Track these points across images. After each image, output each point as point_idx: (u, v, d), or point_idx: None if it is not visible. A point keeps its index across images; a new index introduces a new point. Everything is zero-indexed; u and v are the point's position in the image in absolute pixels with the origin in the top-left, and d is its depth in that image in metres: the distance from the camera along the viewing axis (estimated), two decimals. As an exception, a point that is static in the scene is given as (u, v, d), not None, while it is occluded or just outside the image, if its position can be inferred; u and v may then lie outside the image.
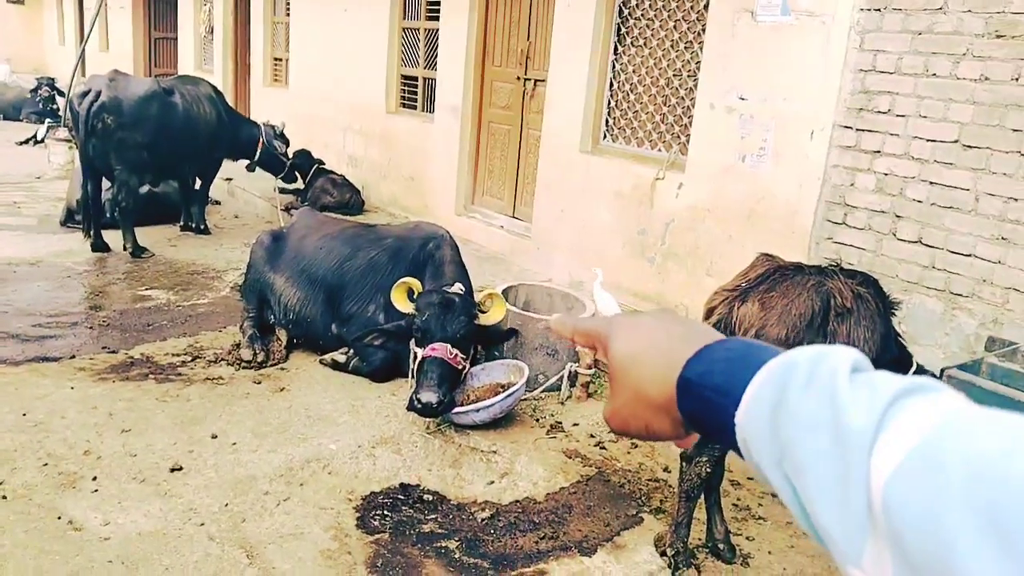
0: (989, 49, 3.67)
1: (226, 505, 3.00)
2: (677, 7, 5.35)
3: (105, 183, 6.29)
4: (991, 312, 3.73)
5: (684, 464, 2.70)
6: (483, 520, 3.04)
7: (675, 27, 5.37)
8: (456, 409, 3.68)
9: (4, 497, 2.92)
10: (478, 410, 3.67)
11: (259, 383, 4.08)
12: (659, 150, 5.54)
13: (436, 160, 7.55)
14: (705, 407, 0.60)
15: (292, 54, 10.15)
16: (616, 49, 5.81)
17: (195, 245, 6.72)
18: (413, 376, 3.78)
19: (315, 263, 4.52)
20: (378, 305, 4.27)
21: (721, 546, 2.91)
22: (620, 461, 3.57)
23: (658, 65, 5.51)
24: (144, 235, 6.40)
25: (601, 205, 5.80)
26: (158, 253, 6.31)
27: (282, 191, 8.26)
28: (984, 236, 3.75)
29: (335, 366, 4.28)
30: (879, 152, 4.13)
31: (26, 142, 11.53)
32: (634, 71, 5.68)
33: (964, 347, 3.79)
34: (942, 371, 2.78)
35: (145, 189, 6.72)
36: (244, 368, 4.24)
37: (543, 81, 6.45)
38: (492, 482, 3.32)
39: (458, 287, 4.00)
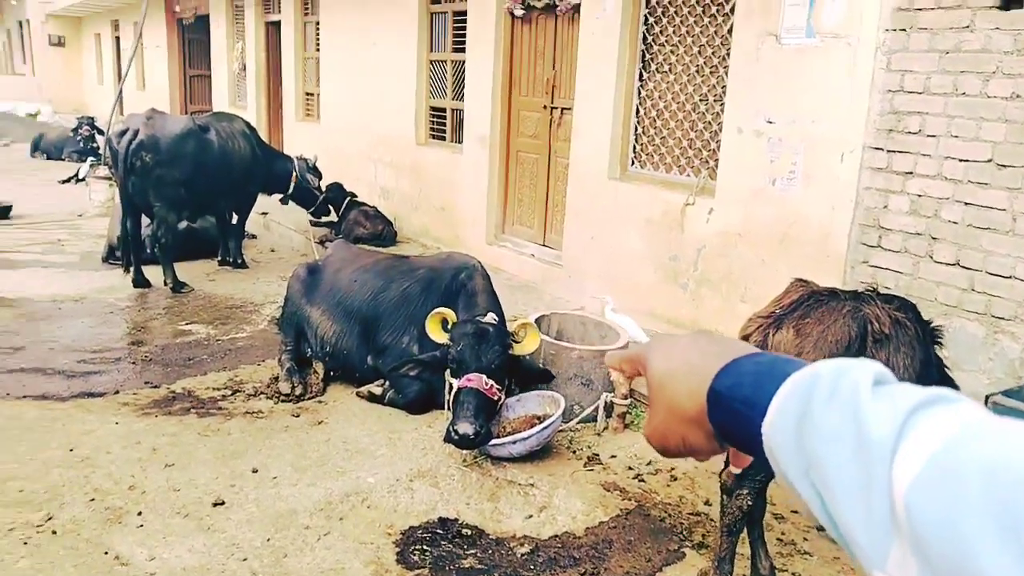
0: (1019, 67, 3.64)
1: (268, 540, 3.04)
2: (701, 32, 5.38)
3: (145, 220, 6.46)
4: (1033, 333, 3.67)
5: (725, 497, 2.68)
6: (522, 556, 3.04)
7: (699, 52, 5.40)
8: (493, 441, 3.69)
9: (54, 532, 3.00)
10: (515, 442, 3.68)
11: (298, 416, 4.14)
12: (688, 175, 5.55)
13: (466, 190, 7.63)
14: (734, 419, 0.63)
15: (323, 89, 10.36)
16: (641, 76, 5.85)
17: (233, 279, 6.85)
18: (449, 407, 3.80)
19: (350, 295, 4.59)
20: (412, 336, 4.32)
21: (764, 579, 2.88)
22: (660, 494, 3.54)
23: (684, 90, 5.54)
24: (183, 270, 6.54)
25: (631, 232, 5.81)
26: (197, 288, 6.45)
27: (316, 224, 8.40)
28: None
29: (371, 398, 4.33)
30: (911, 173, 4.10)
31: (68, 180, 11.87)
32: (660, 97, 5.71)
33: (1008, 372, 3.72)
34: (987, 398, 2.74)
35: (183, 225, 6.88)
36: (283, 401, 4.30)
37: (569, 109, 6.51)
38: (530, 516, 3.32)
39: (491, 317, 4.03)
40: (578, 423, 4.12)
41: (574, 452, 3.89)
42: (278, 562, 2.91)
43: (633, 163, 5.99)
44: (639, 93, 5.89)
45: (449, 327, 3.88)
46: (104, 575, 2.78)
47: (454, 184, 7.81)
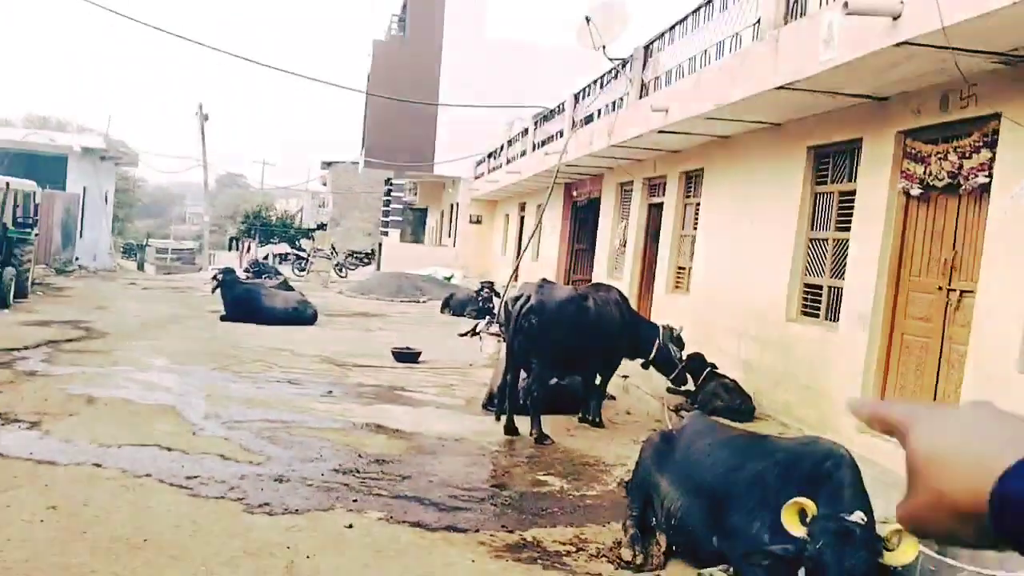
0: None
1: None
2: None
3: (522, 374, 7.11)
4: None
5: None
6: None
7: None
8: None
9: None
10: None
11: (636, 587, 4.02)
12: None
13: (838, 371, 7.09)
14: None
15: (695, 263, 10.69)
16: (1068, 258, 5.02)
17: (589, 437, 7.11)
18: (802, 613, 3.37)
19: (700, 470, 4.44)
20: (764, 523, 3.99)
21: None
22: None
23: None
24: (547, 423, 6.98)
25: (1051, 439, 4.81)
26: (557, 441, 6.80)
27: (673, 392, 8.43)
28: None
29: (715, 583, 4.03)
30: None
31: (466, 334, 13.67)
32: (1095, 283, 4.82)
33: None
34: None
35: (553, 381, 7.42)
36: (623, 567, 4.23)
37: (971, 292, 5.80)
38: None
39: (859, 516, 3.56)
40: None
41: None
42: None
43: (1055, 358, 5.05)
44: (1064, 278, 5.04)
45: (808, 520, 3.51)
46: None
47: (825, 363, 7.31)
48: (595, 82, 14.19)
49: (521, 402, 7.18)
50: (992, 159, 5.61)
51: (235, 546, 4.21)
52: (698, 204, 10.97)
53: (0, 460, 5.35)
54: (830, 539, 3.37)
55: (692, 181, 11.44)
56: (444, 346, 11.93)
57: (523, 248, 12.67)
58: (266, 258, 31.24)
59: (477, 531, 4.64)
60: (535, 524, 4.82)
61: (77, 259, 24.05)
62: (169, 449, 5.85)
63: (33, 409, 6.72)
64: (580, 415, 7.64)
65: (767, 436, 4.66)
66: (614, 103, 12.62)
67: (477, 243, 28.38)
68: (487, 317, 13.65)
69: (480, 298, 16.87)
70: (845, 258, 7.37)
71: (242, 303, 13.74)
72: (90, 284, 19.85)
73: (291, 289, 15.67)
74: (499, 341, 10.19)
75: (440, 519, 4.81)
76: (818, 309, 7.87)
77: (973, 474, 0.58)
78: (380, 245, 31.85)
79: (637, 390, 9.06)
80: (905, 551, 3.33)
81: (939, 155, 6.19)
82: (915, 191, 6.47)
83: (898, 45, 5.14)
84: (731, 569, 3.99)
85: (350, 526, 4.56)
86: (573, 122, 15.12)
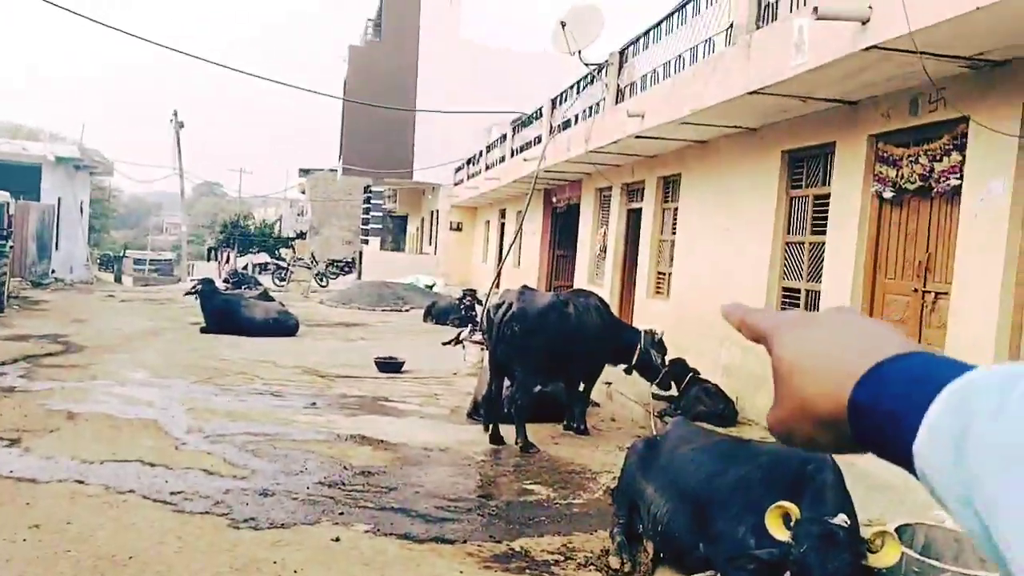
0: None
1: None
2: (1121, 212, 4.61)
3: (505, 382, 7.12)
4: None
5: None
6: None
7: (1119, 234, 4.61)
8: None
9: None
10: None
11: (624, 594, 4.05)
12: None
13: (818, 374, 7.18)
14: (880, 434, 0.54)
15: (675, 268, 10.78)
16: (1038, 260, 5.13)
17: (574, 444, 7.14)
18: (787, 615, 3.42)
19: (685, 476, 4.49)
20: (748, 527, 4.03)
21: None
22: None
23: (1098, 277, 4.72)
24: (532, 431, 7.00)
25: None
26: (543, 449, 6.83)
27: (656, 398, 8.49)
28: None
29: (701, 588, 4.07)
30: None
31: (449, 343, 13.65)
32: (1064, 283, 4.93)
33: None
34: None
35: (537, 389, 7.44)
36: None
37: (945, 294, 5.90)
38: None
39: (842, 518, 3.62)
40: (951, 666, 3.41)
41: None
42: None
43: (1028, 357, 5.16)
44: (1035, 278, 5.15)
45: (792, 524, 3.56)
46: None
47: (805, 367, 7.40)
48: (572, 87, 14.27)
49: (505, 410, 7.20)
50: (962, 161, 5.73)
51: (221, 562, 4.20)
52: (676, 209, 11.07)
53: (-20, 481, 5.28)
54: (814, 542, 3.41)
55: (670, 186, 11.53)
56: (427, 355, 11.92)
57: (504, 255, 12.71)
58: (245, 268, 31.07)
59: (465, 542, 4.65)
60: (523, 534, 4.84)
61: (53, 271, 23.76)
62: (152, 464, 5.81)
63: (12, 426, 6.64)
64: (565, 423, 7.67)
65: (750, 440, 4.71)
66: (591, 108, 12.70)
67: (458, 250, 28.37)
68: (470, 325, 13.66)
69: (463, 306, 16.86)
70: (822, 261, 7.47)
71: (222, 314, 13.65)
72: (67, 297, 19.61)
73: (271, 299, 15.58)
74: (482, 349, 10.20)
75: (427, 530, 4.81)
76: (797, 311, 7.97)
77: (832, 381, 0.58)
78: (360, 253, 31.76)
79: (621, 396, 9.11)
80: (888, 553, 3.38)
81: (910, 158, 6.31)
82: (888, 194, 6.58)
83: (867, 49, 5.24)
84: (718, 575, 4.03)
85: (337, 539, 4.56)
86: (551, 128, 15.20)
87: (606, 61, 11.77)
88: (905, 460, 0.53)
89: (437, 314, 17.34)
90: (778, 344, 0.65)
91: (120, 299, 20.00)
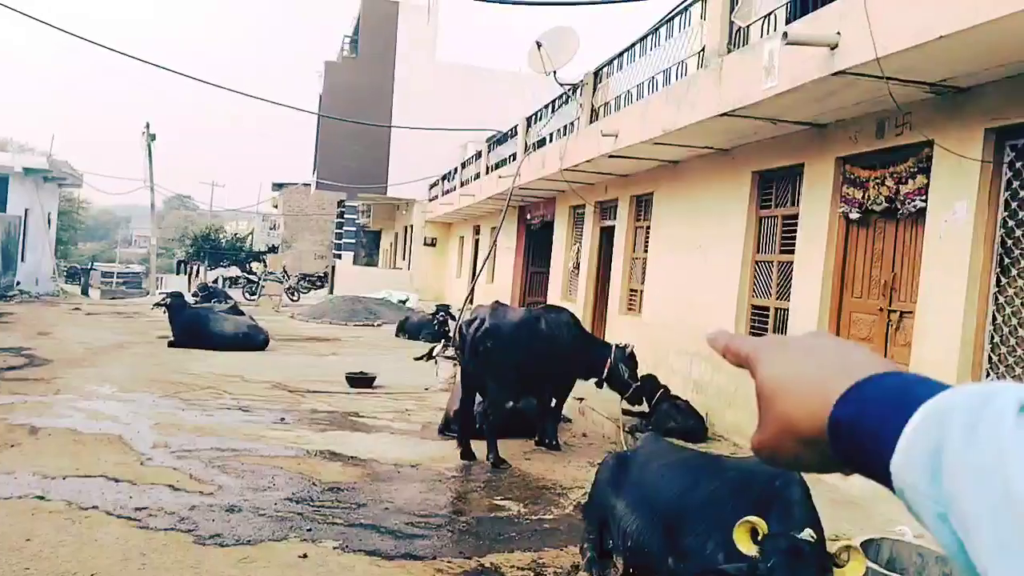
0: None
1: None
2: (1077, 234, 4.75)
3: (477, 397, 7.11)
4: None
5: None
6: None
7: (1076, 256, 4.74)
8: None
9: None
10: None
11: (593, 610, 4.04)
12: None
13: (787, 391, 7.26)
14: (859, 451, 0.55)
15: (647, 286, 10.86)
16: (999, 281, 5.26)
17: (546, 460, 7.14)
18: (755, 630, 3.43)
19: (655, 491, 4.50)
20: (718, 543, 4.05)
21: None
22: None
23: (1056, 297, 4.84)
24: (503, 447, 6.98)
25: (987, 454, 5.00)
26: (514, 465, 6.81)
27: (627, 413, 8.51)
28: None
29: (670, 604, 4.08)
30: None
31: (421, 358, 13.59)
32: (1023, 305, 5.05)
33: None
34: None
35: (509, 404, 7.43)
36: (580, 592, 4.25)
37: (910, 313, 6.02)
38: None
39: (808, 533, 3.65)
40: None
41: None
42: None
43: (988, 375, 5.27)
44: (996, 299, 5.28)
45: (759, 539, 3.59)
46: None
47: (774, 385, 7.49)
48: (547, 106, 14.39)
49: (477, 426, 7.18)
50: (927, 184, 5.86)
51: (186, 579, 4.12)
52: (648, 227, 11.17)
53: (-64, 496, 5.14)
54: (781, 557, 3.44)
55: (643, 205, 11.65)
56: (399, 370, 11.86)
57: (478, 271, 12.74)
58: (216, 282, 30.69)
59: (435, 558, 4.62)
60: (493, 549, 4.82)
61: (18, 283, 23.31)
62: (116, 480, 5.71)
63: (-29, 441, 6.48)
64: (536, 438, 7.67)
65: (720, 456, 4.75)
66: (566, 127, 12.81)
67: (432, 266, 28.32)
68: (443, 340, 13.61)
69: (436, 322, 16.81)
70: (790, 280, 7.58)
71: (191, 328, 13.47)
72: (32, 310, 19.24)
73: (242, 313, 15.41)
74: (455, 365, 10.17)
75: (397, 547, 4.77)
76: (766, 330, 8.06)
77: (812, 400, 0.60)
78: (333, 268, 31.55)
79: (593, 412, 9.13)
80: (854, 567, 3.42)
81: (877, 180, 6.44)
82: (855, 215, 6.71)
83: (836, 74, 5.36)
84: (686, 589, 4.04)
85: (304, 556, 4.50)
86: (526, 146, 15.29)
87: (581, 81, 11.89)
88: (884, 477, 0.54)
89: (410, 329, 17.27)
90: (760, 367, 0.67)
91: (86, 312, 19.66)
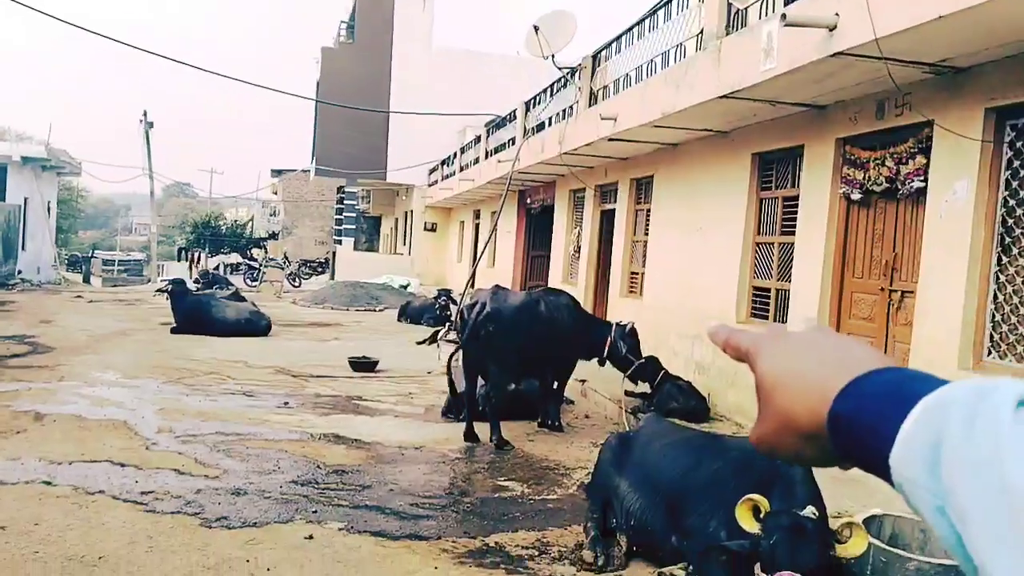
0: None
1: None
2: (1077, 212, 4.76)
3: (479, 380, 7.14)
4: None
5: None
6: None
7: (1076, 234, 4.75)
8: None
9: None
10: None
11: (597, 588, 4.09)
12: (1063, 371, 4.74)
13: (788, 372, 7.29)
14: (858, 446, 0.56)
15: (648, 268, 10.88)
16: (1000, 260, 5.28)
17: (549, 441, 7.18)
18: (758, 606, 3.48)
19: (657, 471, 4.54)
20: (720, 521, 4.10)
21: None
22: None
23: (1056, 275, 4.86)
24: (507, 429, 7.02)
25: (987, 431, 5.04)
26: (517, 447, 6.86)
27: (629, 394, 8.55)
28: None
29: (673, 581, 4.13)
30: None
31: (423, 342, 13.64)
32: (1024, 282, 5.07)
33: None
34: None
35: (511, 387, 7.47)
36: (585, 570, 4.29)
37: (911, 293, 6.04)
38: None
39: (811, 510, 3.69)
40: (915, 653, 3.49)
41: None
42: None
43: (990, 353, 5.30)
44: (997, 278, 5.29)
45: (761, 516, 3.63)
46: None
47: (775, 366, 7.52)
48: (545, 91, 14.34)
49: (480, 408, 7.22)
50: (927, 164, 5.87)
51: (193, 561, 4.17)
52: (648, 210, 11.17)
53: (-56, 482, 5.19)
54: (783, 534, 3.48)
55: (643, 188, 11.64)
56: (401, 354, 11.90)
57: (479, 255, 12.77)
58: (217, 268, 30.71)
59: (439, 538, 4.67)
60: (497, 529, 4.86)
61: (20, 272, 23.32)
62: (122, 465, 5.75)
63: (-23, 428, 6.53)
64: (539, 420, 7.71)
65: (721, 436, 4.79)
66: (564, 111, 12.77)
67: (432, 251, 28.31)
68: (447, 324, 13.63)
69: (438, 306, 16.84)
70: (791, 261, 7.60)
71: (193, 315, 13.50)
72: (34, 298, 19.26)
73: (243, 300, 15.44)
74: (457, 349, 10.19)
75: (402, 527, 4.82)
76: (767, 311, 8.09)
77: (813, 394, 0.61)
78: (334, 254, 31.56)
79: (595, 394, 9.17)
80: (856, 543, 3.46)
81: (877, 161, 6.44)
82: (855, 196, 6.71)
83: (834, 55, 5.35)
84: (691, 568, 4.09)
85: (310, 537, 4.55)
86: (525, 130, 15.25)
87: (579, 65, 11.85)
88: (883, 471, 0.55)
89: (412, 314, 17.31)
90: (760, 361, 0.67)
91: (88, 300, 19.69)
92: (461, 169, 22.08)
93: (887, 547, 3.79)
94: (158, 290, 14.53)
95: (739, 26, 7.05)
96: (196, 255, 36.48)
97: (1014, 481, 0.45)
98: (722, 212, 8.82)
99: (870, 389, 0.58)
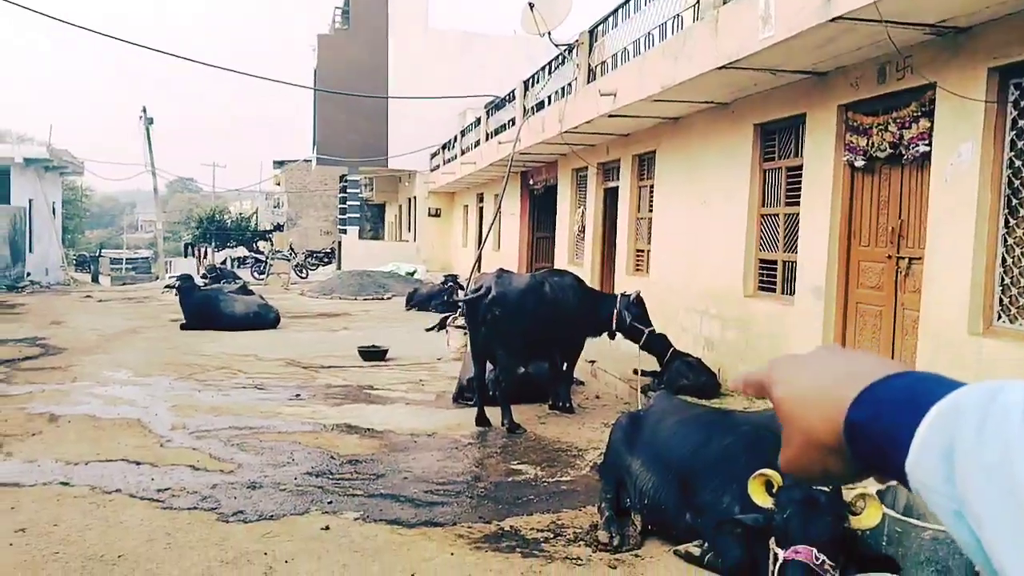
0: None
1: None
2: (1085, 171, 4.69)
3: (488, 365, 7.15)
4: None
5: None
6: None
7: (1084, 193, 4.69)
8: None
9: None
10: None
11: (615, 568, 4.11)
12: (1075, 332, 4.71)
13: (797, 342, 7.27)
14: (876, 453, 0.56)
15: (653, 245, 10.83)
16: (1008, 223, 5.22)
17: (560, 423, 7.19)
18: (773, 579, 3.48)
19: (669, 448, 4.54)
20: (734, 496, 4.10)
21: None
22: None
23: (1065, 236, 4.81)
24: (518, 412, 7.03)
25: (1000, 395, 5.01)
26: (529, 430, 6.87)
27: (638, 372, 8.55)
28: None
29: (689, 559, 4.14)
30: None
31: (431, 329, 13.65)
32: (1033, 244, 5.02)
33: None
34: None
35: (520, 370, 7.47)
36: (601, 550, 4.31)
37: (919, 259, 5.99)
38: None
39: (823, 483, 3.69)
40: (933, 620, 3.49)
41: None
42: None
43: (1000, 317, 5.26)
44: (1005, 241, 5.24)
45: (774, 491, 3.62)
46: None
47: (784, 336, 7.50)
48: (543, 69, 14.22)
49: (490, 393, 7.23)
50: (931, 128, 5.79)
51: (211, 556, 4.20)
52: (652, 186, 11.11)
53: (-37, 487, 5.23)
54: (796, 507, 3.47)
55: (645, 164, 11.56)
56: (410, 342, 11.91)
57: (483, 239, 12.76)
58: (224, 263, 30.77)
59: (455, 524, 4.69)
60: (512, 513, 4.88)
61: (28, 274, 23.43)
62: (137, 463, 5.79)
63: (-7, 432, 6.58)
64: (550, 402, 7.72)
65: (732, 411, 4.78)
66: (563, 89, 12.68)
67: (437, 236, 28.29)
68: (460, 309, 13.58)
69: (445, 292, 16.83)
70: (797, 232, 7.55)
71: (201, 310, 13.55)
72: (44, 299, 19.36)
73: (251, 293, 15.48)
74: (464, 334, 10.20)
75: (417, 515, 4.84)
76: (774, 284, 8.05)
77: (828, 408, 0.61)
78: (339, 243, 31.56)
79: (605, 374, 9.17)
80: (870, 514, 3.45)
81: (880, 126, 6.37)
82: (859, 163, 6.64)
83: (833, 20, 5.27)
84: (706, 544, 4.10)
85: (326, 528, 4.58)
86: (524, 110, 15.15)
87: (576, 41, 11.74)
88: (902, 477, 0.55)
89: (420, 301, 17.31)
90: (776, 388, 0.68)
91: (98, 299, 19.78)
92: (462, 152, 22.00)
93: (902, 517, 3.78)
94: (166, 287, 14.59)
95: (736, -5, 6.95)
96: (203, 250, 36.57)
97: (1022, 481, 0.45)
98: (726, 185, 8.76)
99: (884, 395, 0.58)
